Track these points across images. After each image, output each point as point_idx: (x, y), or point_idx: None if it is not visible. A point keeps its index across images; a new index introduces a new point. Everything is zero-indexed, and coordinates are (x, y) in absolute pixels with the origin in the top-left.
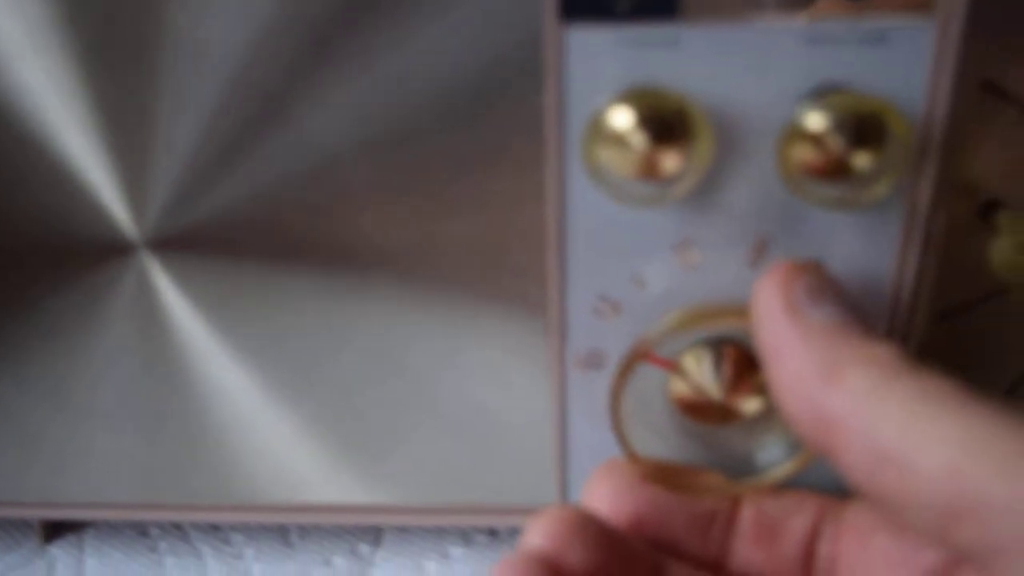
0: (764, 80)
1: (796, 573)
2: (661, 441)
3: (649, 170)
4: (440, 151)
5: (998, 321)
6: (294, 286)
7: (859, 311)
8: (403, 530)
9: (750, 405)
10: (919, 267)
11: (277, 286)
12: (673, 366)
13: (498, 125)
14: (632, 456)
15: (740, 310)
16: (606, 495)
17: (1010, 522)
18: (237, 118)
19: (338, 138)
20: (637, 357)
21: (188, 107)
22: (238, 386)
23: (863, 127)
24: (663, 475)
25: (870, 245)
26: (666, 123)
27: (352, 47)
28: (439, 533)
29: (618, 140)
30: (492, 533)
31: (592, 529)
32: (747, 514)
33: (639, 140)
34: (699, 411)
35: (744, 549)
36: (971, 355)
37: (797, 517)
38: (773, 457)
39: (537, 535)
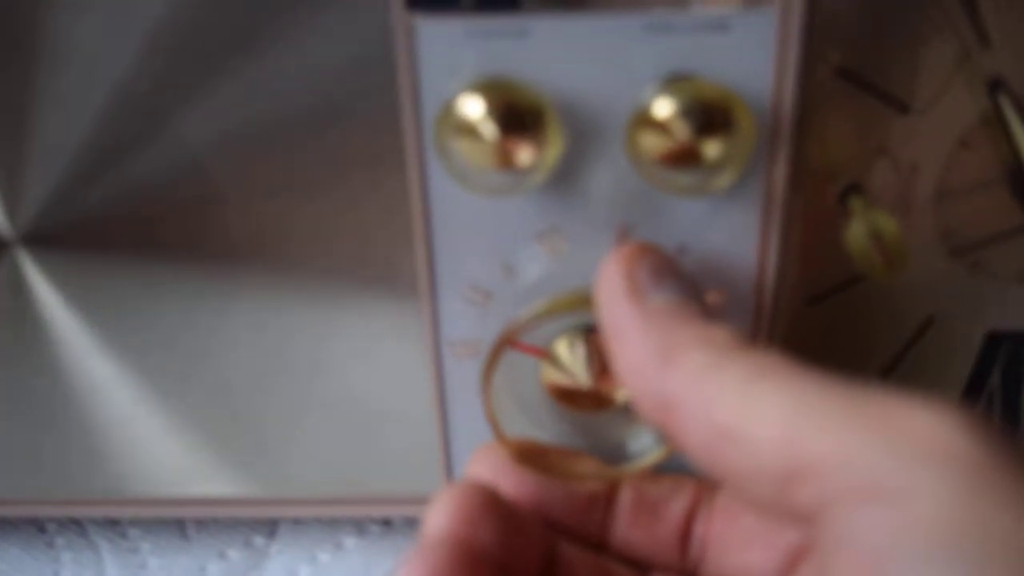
0: (611, 70)
1: (673, 552)
2: (537, 429)
3: (502, 160)
4: (307, 147)
5: (868, 305)
6: (167, 282)
7: (697, 292)
8: (298, 522)
9: (620, 393)
10: (780, 252)
11: (151, 282)
12: (540, 353)
13: (362, 120)
14: (505, 442)
15: None
16: (487, 472)
17: (841, 475)
18: (110, 117)
19: (208, 137)
20: (503, 344)
21: (62, 106)
22: (114, 381)
23: (708, 114)
24: (538, 458)
25: (731, 231)
26: (516, 113)
27: (221, 50)
28: (333, 524)
29: (469, 130)
30: (386, 523)
31: (497, 505)
32: (625, 497)
33: (490, 130)
34: (571, 398)
35: (623, 530)
36: (844, 339)
37: (675, 500)
38: (644, 444)
39: (442, 516)
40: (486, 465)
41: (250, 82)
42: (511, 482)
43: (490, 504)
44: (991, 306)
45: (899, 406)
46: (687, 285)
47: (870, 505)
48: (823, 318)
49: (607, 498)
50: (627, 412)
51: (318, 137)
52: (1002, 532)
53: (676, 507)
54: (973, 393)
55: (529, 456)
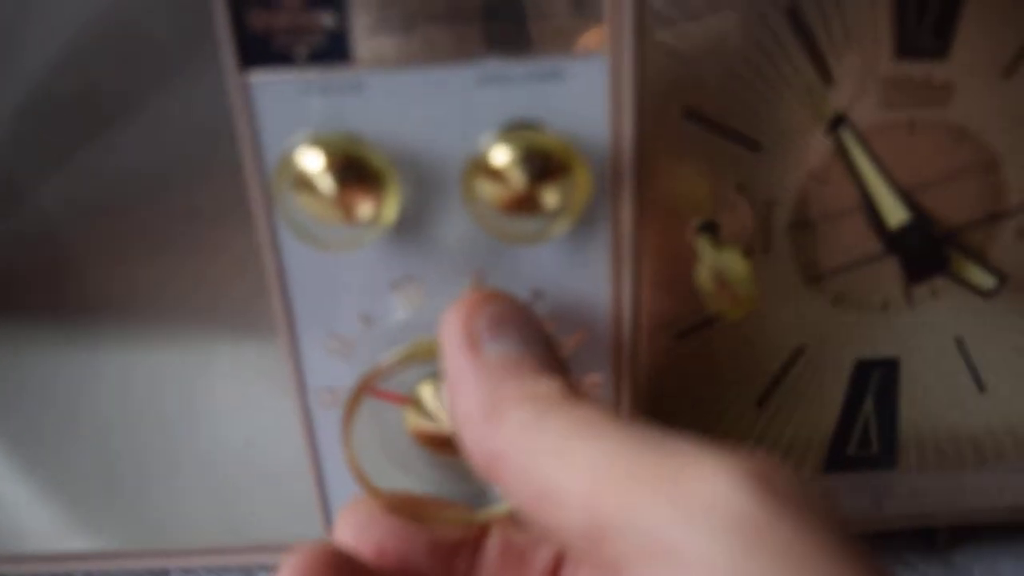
0: (447, 121)
1: None
2: (405, 475)
3: (341, 213)
4: (159, 205)
5: (737, 337)
6: (28, 342)
7: (541, 342)
8: (189, 572)
9: None
10: (634, 291)
11: (11, 343)
12: (400, 399)
13: (210, 177)
14: (371, 490)
15: None
16: (350, 530)
17: (630, 536)
18: None
19: (60, 201)
20: (361, 392)
21: None
22: None
23: (543, 161)
24: (406, 507)
25: (584, 273)
26: (353, 166)
27: (72, 116)
28: (224, 572)
29: (308, 184)
30: (274, 569)
31: (340, 564)
32: (492, 543)
33: (327, 184)
34: (437, 443)
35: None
36: (717, 371)
37: (542, 548)
38: None
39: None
40: (350, 519)
41: (100, 148)
42: (373, 531)
43: (334, 566)
44: (858, 335)
45: (689, 464)
46: (529, 334)
47: (652, 567)
48: (694, 351)
49: (473, 547)
50: None
51: (170, 196)
52: None
53: (542, 556)
54: (848, 420)
55: (397, 505)
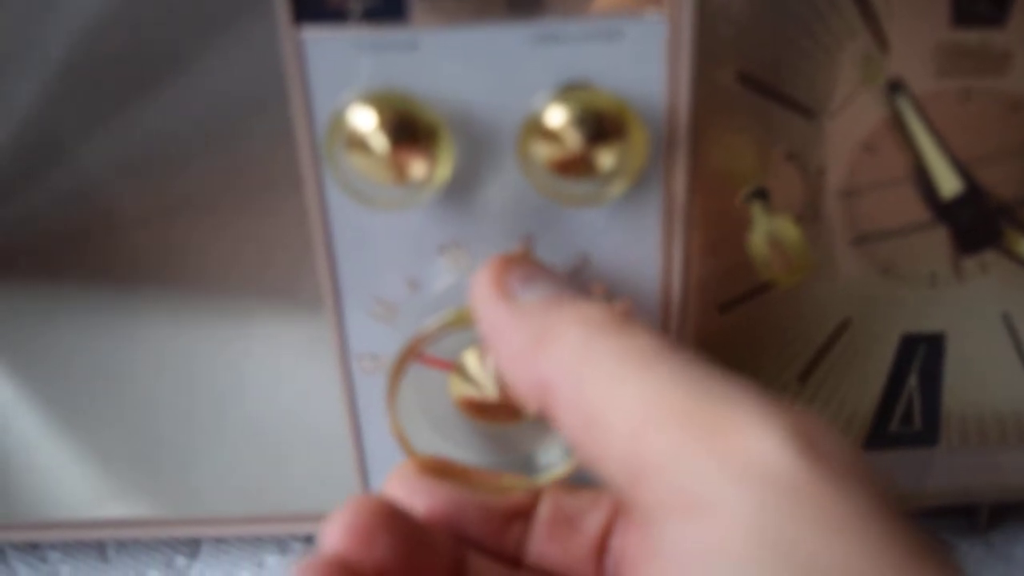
0: (502, 81)
1: (589, 568)
2: (448, 443)
3: (394, 173)
4: (206, 168)
5: (782, 310)
6: (71, 308)
7: (572, 287)
8: (220, 541)
9: None
10: (684, 258)
11: (53, 309)
12: (445, 365)
13: (259, 139)
14: (415, 456)
15: None
16: (400, 492)
17: (664, 482)
18: (7, 147)
19: (105, 162)
20: (408, 357)
21: None
22: (21, 405)
23: (600, 123)
24: (451, 473)
25: (633, 239)
26: (406, 125)
27: (117, 76)
28: (256, 543)
29: (360, 144)
30: (309, 540)
31: (395, 519)
32: (544, 511)
33: (380, 143)
34: (481, 410)
35: (540, 544)
36: (759, 345)
37: (593, 513)
38: (553, 457)
39: (336, 532)
40: (401, 482)
41: (145, 107)
42: (425, 499)
43: (387, 518)
44: (905, 308)
45: (734, 416)
46: (560, 282)
47: (683, 517)
48: (737, 324)
49: (526, 514)
50: (537, 424)
51: (216, 158)
52: (801, 554)
53: (593, 521)
54: (892, 394)
55: (440, 471)
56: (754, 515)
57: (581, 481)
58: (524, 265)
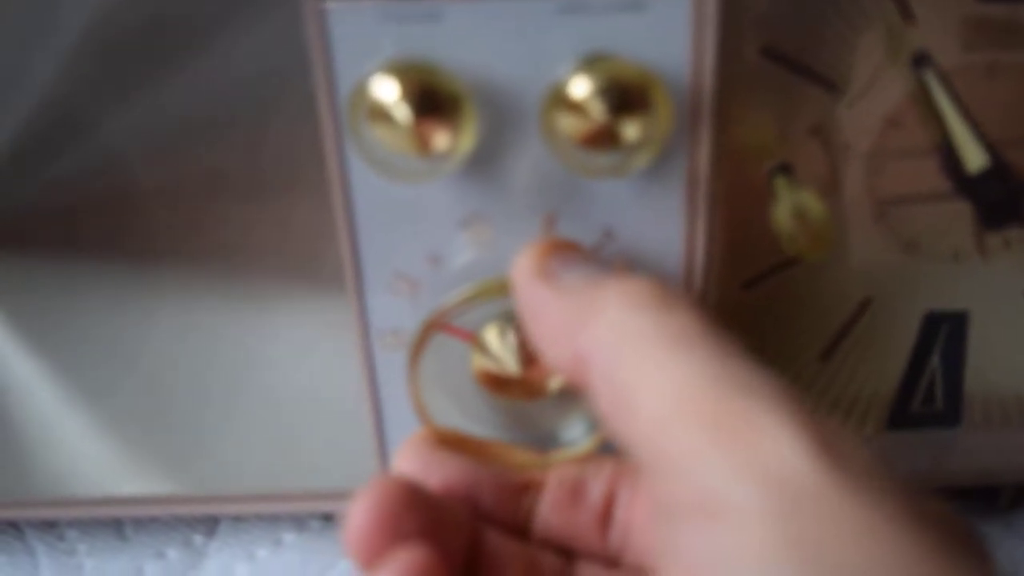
0: (526, 52)
1: (594, 538)
2: (468, 419)
3: (417, 144)
4: (227, 142)
5: (804, 288)
6: (91, 280)
7: (613, 271)
8: (238, 520)
9: (551, 381)
10: (708, 233)
11: (73, 280)
12: (470, 337)
13: (281, 113)
14: (433, 428)
15: None
16: (413, 465)
17: (683, 480)
18: (31, 117)
19: (128, 134)
20: (431, 327)
21: None
22: (38, 380)
23: (625, 94)
24: (469, 447)
25: (657, 214)
26: (430, 96)
27: (140, 48)
28: (274, 521)
29: (383, 114)
30: (327, 518)
31: (418, 497)
32: (551, 482)
33: (404, 114)
34: (502, 386)
35: (546, 515)
36: (781, 323)
37: (595, 481)
38: (576, 433)
39: (362, 512)
40: (413, 458)
41: (168, 79)
42: (439, 472)
43: (411, 497)
44: (928, 286)
45: (757, 417)
46: (601, 265)
47: (702, 519)
48: (759, 302)
49: (538, 486)
50: (559, 400)
51: (238, 132)
52: (830, 557)
53: (596, 491)
54: (915, 373)
55: (457, 444)
56: (776, 519)
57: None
58: (565, 249)
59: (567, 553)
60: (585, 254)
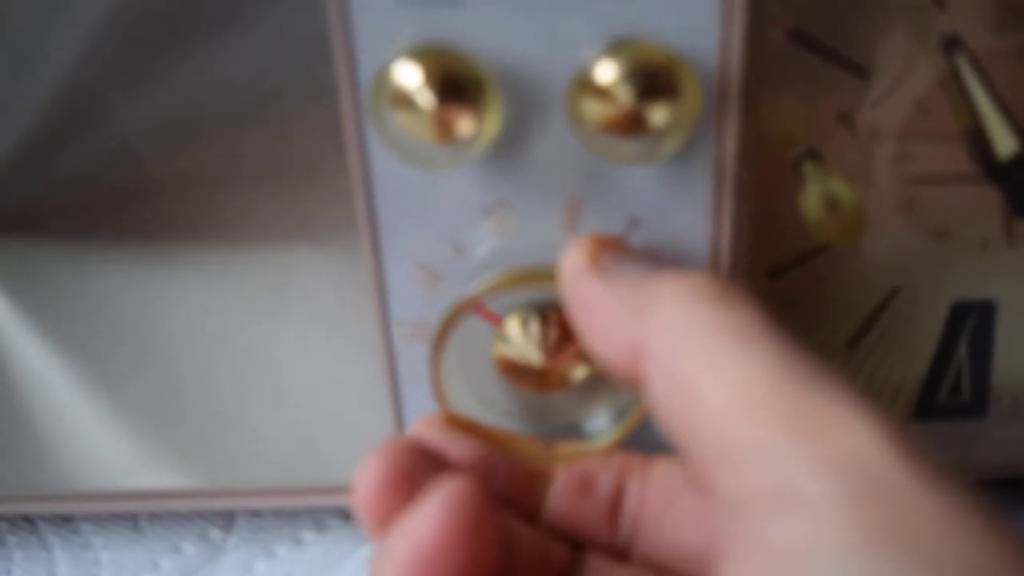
0: (550, 36)
1: (603, 528)
2: (489, 410)
3: (440, 130)
4: (245, 129)
5: (831, 277)
6: (105, 269)
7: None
8: (256, 515)
9: (574, 372)
10: (734, 221)
11: (87, 269)
12: (496, 319)
13: (300, 100)
14: (448, 410)
15: None
16: (430, 439)
17: (754, 470)
18: (45, 103)
19: (142, 121)
20: (464, 308)
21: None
22: (51, 371)
23: (652, 78)
24: (482, 435)
25: (683, 201)
26: (453, 81)
27: (156, 34)
28: (292, 518)
29: (406, 100)
30: (345, 517)
31: (431, 460)
32: (561, 471)
33: (427, 99)
34: (524, 377)
35: (555, 504)
36: (807, 313)
37: (604, 473)
38: (600, 424)
39: (372, 476)
40: (428, 432)
41: (185, 68)
42: (455, 448)
43: (424, 458)
44: (956, 276)
45: (832, 410)
46: (654, 262)
47: (774, 509)
48: (785, 291)
49: (549, 473)
50: (582, 391)
51: (255, 119)
52: (929, 548)
53: (605, 481)
54: (941, 364)
55: (472, 432)
56: (855, 508)
57: (635, 447)
58: (615, 246)
59: (575, 543)
60: (634, 252)
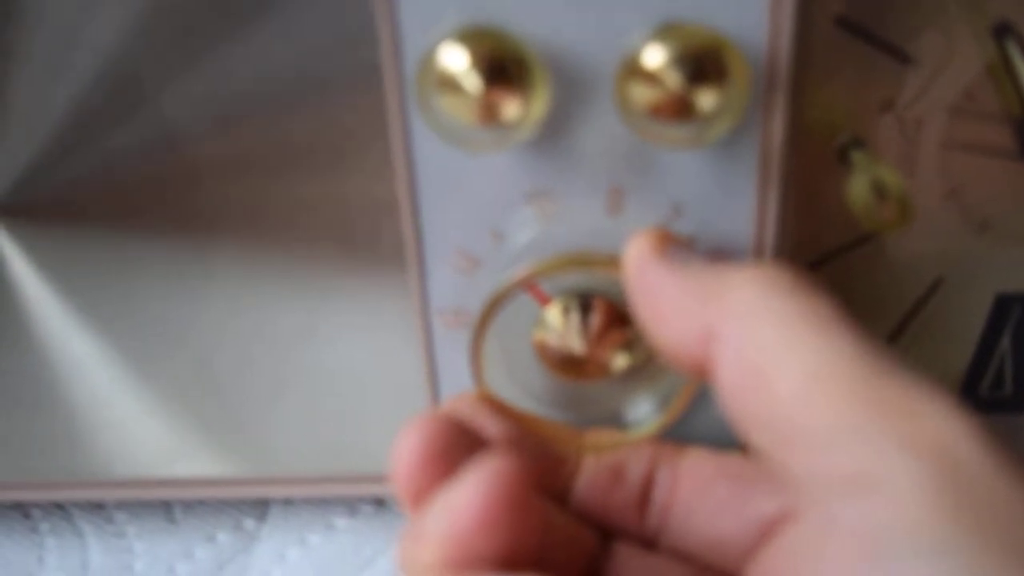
0: (599, 18)
1: (631, 518)
2: (529, 398)
3: (486, 114)
4: (287, 117)
5: (873, 268)
6: (145, 257)
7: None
8: (289, 504)
9: (615, 361)
10: (779, 209)
11: (128, 257)
12: (545, 299)
13: (344, 87)
14: (484, 391)
15: (611, 259)
16: (466, 415)
17: (832, 456)
18: (88, 90)
19: (186, 109)
20: (518, 286)
21: (39, 78)
22: (92, 359)
23: (700, 62)
24: (514, 417)
25: (728, 189)
26: (500, 64)
27: (200, 21)
28: (325, 505)
29: (452, 84)
30: (379, 503)
31: (468, 438)
32: (590, 458)
33: (473, 82)
34: (565, 365)
35: (583, 491)
36: (849, 303)
37: (633, 463)
38: (643, 413)
39: (412, 445)
40: (464, 408)
41: (228, 53)
42: (488, 426)
43: (460, 435)
44: (1000, 267)
45: (918, 399)
46: (716, 258)
47: (851, 492)
48: (828, 281)
49: (575, 462)
50: (623, 380)
51: (298, 107)
52: (993, 526)
53: (635, 470)
54: (984, 356)
55: (501, 412)
56: (937, 492)
57: (674, 437)
58: (679, 240)
59: (602, 531)
60: (697, 250)
